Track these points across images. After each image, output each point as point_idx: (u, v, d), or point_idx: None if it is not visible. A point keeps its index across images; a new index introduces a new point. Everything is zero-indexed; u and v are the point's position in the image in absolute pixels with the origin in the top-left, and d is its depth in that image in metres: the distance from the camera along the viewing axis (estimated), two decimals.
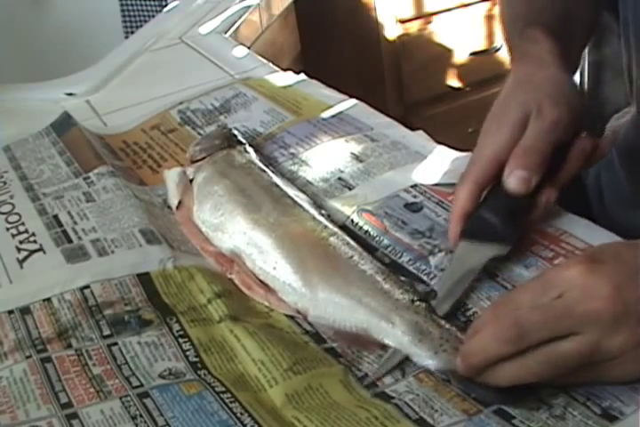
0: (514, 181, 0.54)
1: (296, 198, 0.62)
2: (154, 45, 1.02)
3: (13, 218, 0.63)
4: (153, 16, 1.54)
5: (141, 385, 0.48)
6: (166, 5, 1.24)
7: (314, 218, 0.60)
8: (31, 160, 0.72)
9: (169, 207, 0.66)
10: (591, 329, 0.43)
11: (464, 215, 0.56)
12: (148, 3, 1.72)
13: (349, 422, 0.45)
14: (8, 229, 0.62)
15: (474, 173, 0.56)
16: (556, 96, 0.57)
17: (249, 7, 1.12)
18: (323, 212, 0.62)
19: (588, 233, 0.57)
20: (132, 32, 1.60)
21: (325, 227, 0.59)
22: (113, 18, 1.74)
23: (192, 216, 0.63)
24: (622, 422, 0.43)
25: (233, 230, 0.60)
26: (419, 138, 0.72)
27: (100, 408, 0.47)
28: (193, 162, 0.69)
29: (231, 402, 0.47)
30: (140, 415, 0.46)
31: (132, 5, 1.73)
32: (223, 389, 0.48)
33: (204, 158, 0.68)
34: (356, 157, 0.69)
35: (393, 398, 0.47)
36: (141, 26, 1.28)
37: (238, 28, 1.07)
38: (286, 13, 1.36)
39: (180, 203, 0.65)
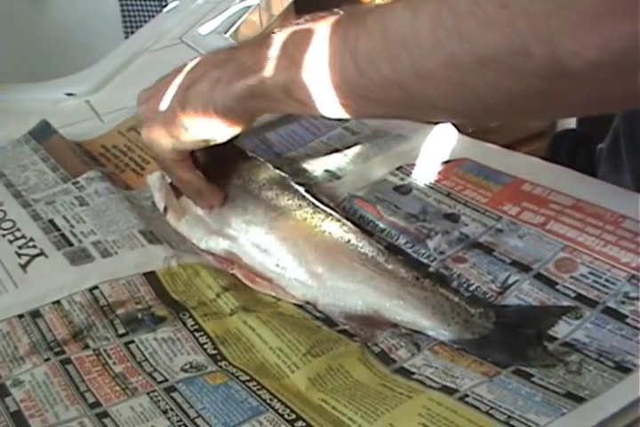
0: None
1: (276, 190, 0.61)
2: (154, 46, 1.01)
3: (7, 224, 0.62)
4: (153, 16, 1.52)
5: (166, 380, 0.49)
6: (166, 5, 1.23)
7: (300, 206, 0.59)
8: (14, 167, 0.70)
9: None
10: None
11: None
12: (148, 3, 1.70)
13: (376, 399, 0.46)
14: (4, 236, 0.61)
15: None
16: None
17: (249, 7, 1.12)
18: (307, 196, 0.60)
19: (574, 186, 0.60)
20: (132, 32, 1.57)
21: (314, 212, 0.59)
22: (113, 18, 1.72)
23: (179, 221, 0.63)
24: (636, 372, 0.45)
25: (226, 232, 0.60)
26: (399, 121, 0.72)
27: (129, 405, 0.47)
28: None
29: (258, 389, 0.47)
30: (171, 409, 0.46)
31: (132, 5, 1.71)
32: (247, 377, 0.49)
33: None
34: (341, 153, 0.70)
35: (413, 373, 0.49)
36: (141, 26, 1.26)
37: (238, 28, 1.06)
38: (286, 13, 1.35)
39: (166, 207, 0.65)
